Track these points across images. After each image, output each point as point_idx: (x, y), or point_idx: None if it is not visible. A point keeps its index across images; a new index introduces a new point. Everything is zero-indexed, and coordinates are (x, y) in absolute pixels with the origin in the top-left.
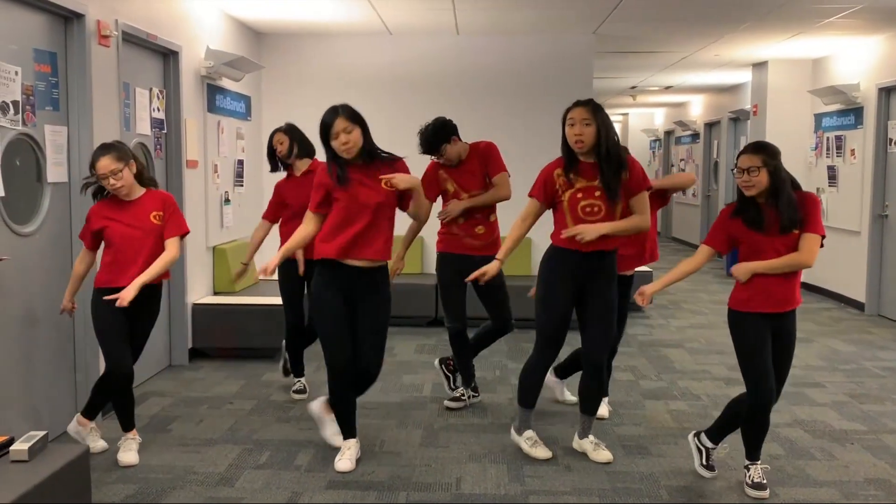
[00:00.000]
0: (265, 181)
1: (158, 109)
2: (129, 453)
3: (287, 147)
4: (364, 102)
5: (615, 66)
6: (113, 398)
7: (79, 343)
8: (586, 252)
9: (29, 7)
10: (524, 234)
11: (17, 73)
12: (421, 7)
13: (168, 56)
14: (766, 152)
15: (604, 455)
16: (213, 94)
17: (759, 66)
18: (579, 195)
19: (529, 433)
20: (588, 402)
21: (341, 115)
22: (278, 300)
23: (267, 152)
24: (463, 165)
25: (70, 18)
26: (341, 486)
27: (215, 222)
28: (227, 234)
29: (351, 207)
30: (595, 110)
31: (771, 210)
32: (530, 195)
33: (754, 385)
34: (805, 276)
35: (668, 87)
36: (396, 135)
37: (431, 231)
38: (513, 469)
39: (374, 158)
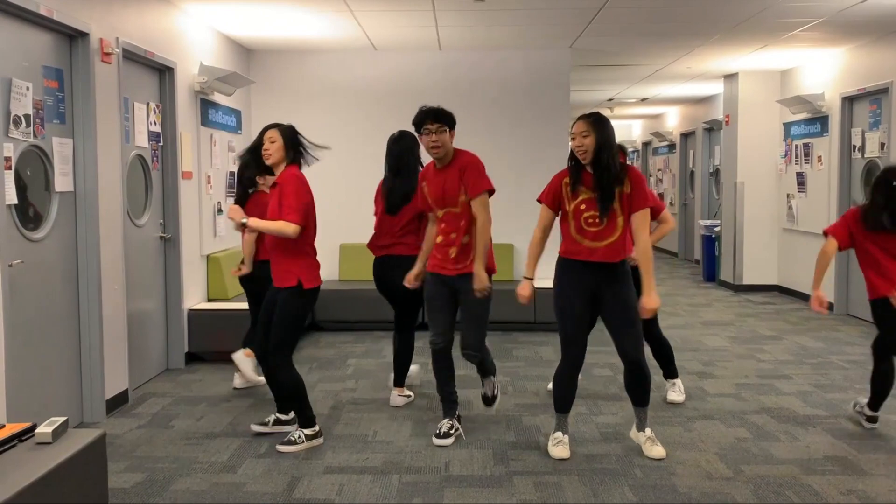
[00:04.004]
0: None
1: (155, 123)
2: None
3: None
4: (349, 116)
5: (592, 79)
6: None
7: (84, 340)
8: (595, 262)
9: (38, 26)
10: (544, 242)
11: (28, 88)
12: (405, 23)
13: (164, 72)
14: None
15: (657, 451)
16: (205, 108)
17: (730, 77)
18: (582, 206)
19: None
20: (635, 396)
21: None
22: None
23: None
24: (448, 169)
25: (75, 37)
26: (337, 471)
27: (209, 232)
28: (221, 243)
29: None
30: (594, 123)
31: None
32: (539, 200)
33: None
34: (777, 279)
35: (643, 99)
36: (381, 148)
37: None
38: (498, 454)
39: None
